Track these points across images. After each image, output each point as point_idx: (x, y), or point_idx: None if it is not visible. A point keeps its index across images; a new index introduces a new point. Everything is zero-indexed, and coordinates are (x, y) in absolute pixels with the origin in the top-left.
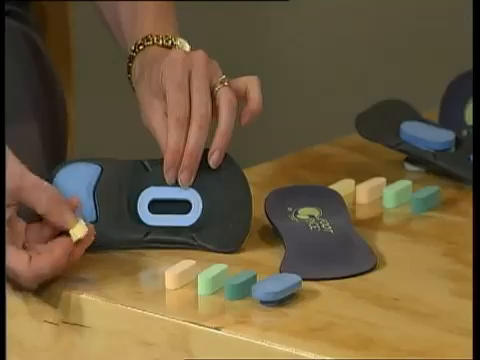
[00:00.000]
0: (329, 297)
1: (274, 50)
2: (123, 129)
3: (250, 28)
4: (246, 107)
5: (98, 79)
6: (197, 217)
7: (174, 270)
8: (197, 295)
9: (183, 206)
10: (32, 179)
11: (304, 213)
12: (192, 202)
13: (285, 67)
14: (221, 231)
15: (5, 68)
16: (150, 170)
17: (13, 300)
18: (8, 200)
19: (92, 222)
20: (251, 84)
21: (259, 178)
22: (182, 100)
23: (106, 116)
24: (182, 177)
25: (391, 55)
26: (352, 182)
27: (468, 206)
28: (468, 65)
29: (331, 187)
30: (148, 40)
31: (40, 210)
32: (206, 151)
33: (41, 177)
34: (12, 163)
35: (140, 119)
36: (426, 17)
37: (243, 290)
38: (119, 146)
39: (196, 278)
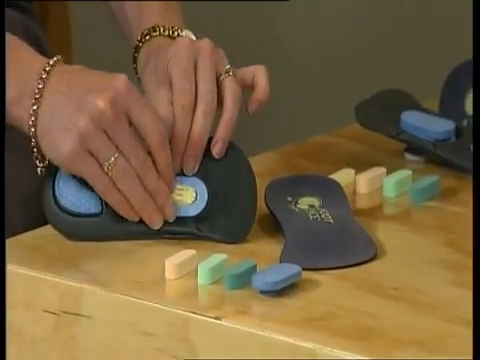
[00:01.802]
0: (329, 287)
1: (275, 41)
2: None
3: (251, 24)
4: (253, 95)
5: None
6: (202, 206)
7: (174, 260)
8: (197, 285)
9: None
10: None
11: (304, 203)
12: (197, 191)
13: (285, 58)
14: (226, 221)
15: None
16: None
17: (13, 290)
18: (107, 104)
19: (97, 213)
20: (258, 72)
21: (259, 168)
22: (188, 88)
23: None
24: (187, 164)
25: (391, 44)
26: (352, 172)
27: (468, 196)
28: (468, 54)
29: (331, 177)
30: (154, 30)
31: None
32: (210, 140)
33: (46, 171)
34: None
35: None
36: (426, 7)
37: (243, 280)
38: None
39: (196, 268)
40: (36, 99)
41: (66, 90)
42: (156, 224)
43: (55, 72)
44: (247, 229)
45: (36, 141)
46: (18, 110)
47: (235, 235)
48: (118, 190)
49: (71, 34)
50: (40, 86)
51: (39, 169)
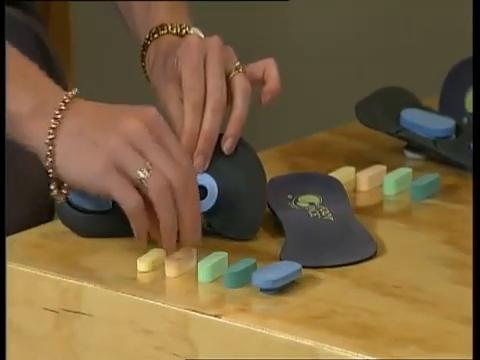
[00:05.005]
0: (329, 285)
1: (275, 40)
2: None
3: (251, 23)
4: (265, 87)
5: (99, 75)
6: (212, 203)
7: (174, 258)
8: (197, 283)
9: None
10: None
11: (304, 201)
12: (207, 187)
13: (285, 57)
14: (237, 217)
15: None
16: None
17: (13, 288)
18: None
19: (107, 210)
20: (269, 65)
21: None
22: (197, 85)
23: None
24: (197, 161)
25: (391, 42)
26: (352, 170)
27: (468, 194)
28: (468, 52)
29: (331, 175)
30: (163, 28)
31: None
32: (221, 136)
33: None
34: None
35: None
36: (426, 3)
37: (243, 278)
38: None
39: (196, 266)
40: (56, 118)
41: (93, 113)
42: (170, 251)
43: (76, 100)
44: (257, 226)
45: (52, 161)
46: (32, 126)
47: (246, 232)
48: (145, 215)
49: (71, 34)
50: (62, 107)
51: (62, 197)
